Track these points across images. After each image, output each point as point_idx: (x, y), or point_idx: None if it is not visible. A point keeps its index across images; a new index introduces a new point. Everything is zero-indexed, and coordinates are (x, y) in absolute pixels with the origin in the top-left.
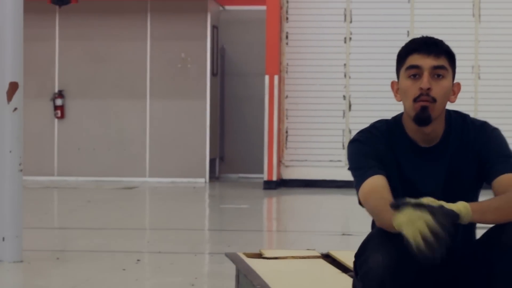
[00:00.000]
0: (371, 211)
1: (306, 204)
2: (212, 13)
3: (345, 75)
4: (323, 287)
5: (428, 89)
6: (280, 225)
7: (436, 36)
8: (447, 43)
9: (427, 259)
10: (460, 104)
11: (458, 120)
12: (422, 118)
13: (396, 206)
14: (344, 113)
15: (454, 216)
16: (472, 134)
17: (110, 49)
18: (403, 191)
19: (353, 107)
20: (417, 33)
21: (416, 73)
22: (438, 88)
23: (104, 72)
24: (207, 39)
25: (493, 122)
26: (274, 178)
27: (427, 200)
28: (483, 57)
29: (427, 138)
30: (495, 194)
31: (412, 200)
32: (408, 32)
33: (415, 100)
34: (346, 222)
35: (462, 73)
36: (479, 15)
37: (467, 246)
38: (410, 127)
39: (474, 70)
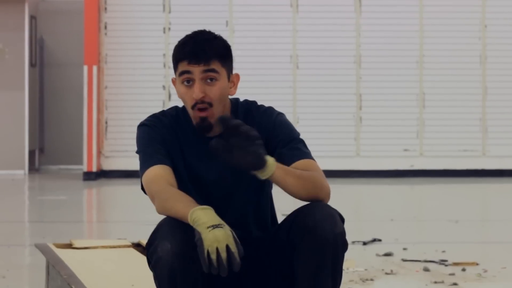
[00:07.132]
0: (154, 196)
1: (126, 194)
2: (30, 3)
3: (164, 65)
4: (130, 275)
5: (202, 97)
6: (99, 216)
7: (254, 26)
8: (265, 33)
9: (212, 272)
10: (279, 94)
11: (243, 108)
12: (203, 127)
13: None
14: (163, 103)
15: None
16: (256, 119)
17: None
18: (188, 179)
19: (172, 97)
20: (236, 23)
21: (189, 78)
22: (212, 92)
23: None
24: (25, 30)
25: (310, 110)
26: (94, 169)
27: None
28: (301, 46)
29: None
30: None
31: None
32: (227, 22)
33: (193, 107)
34: None
35: (281, 63)
36: (297, 5)
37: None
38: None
39: (292, 60)
